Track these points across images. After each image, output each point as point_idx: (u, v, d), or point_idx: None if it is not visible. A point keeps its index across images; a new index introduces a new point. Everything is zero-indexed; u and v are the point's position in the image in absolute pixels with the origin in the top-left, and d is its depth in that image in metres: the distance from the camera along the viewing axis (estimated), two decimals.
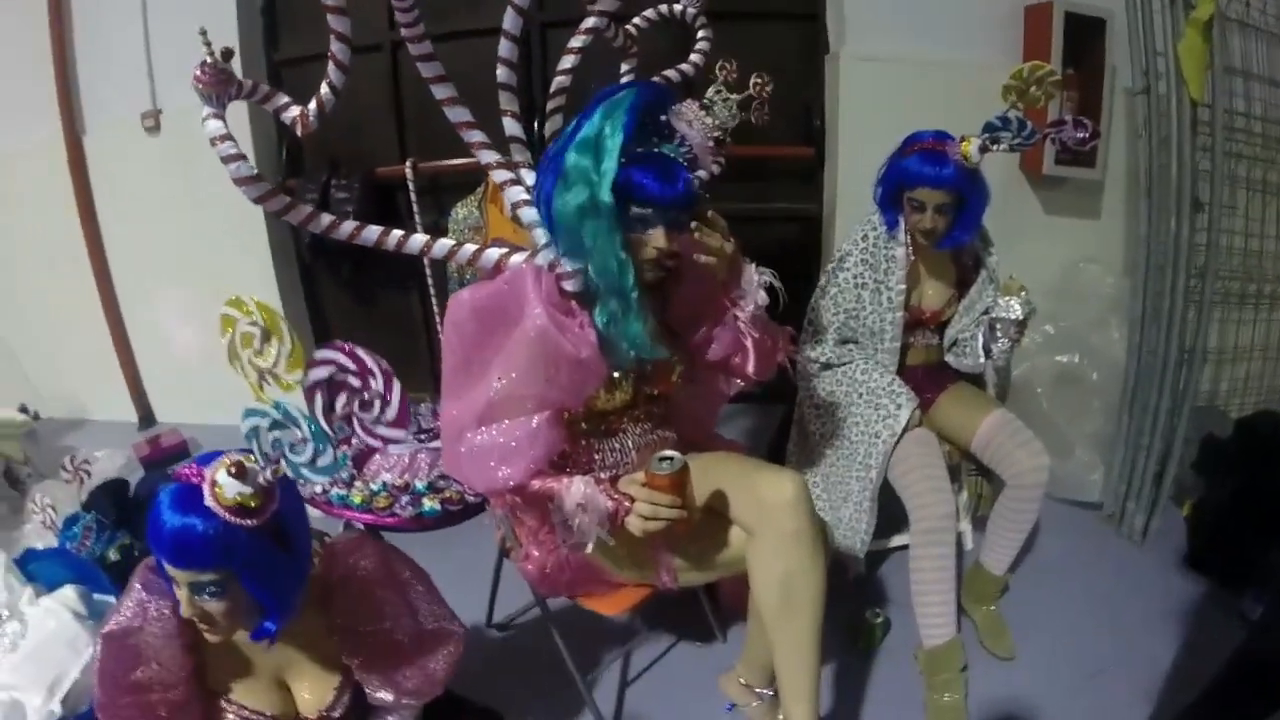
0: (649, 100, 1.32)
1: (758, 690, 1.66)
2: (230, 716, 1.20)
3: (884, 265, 1.94)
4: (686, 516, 1.28)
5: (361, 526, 2.49)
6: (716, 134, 1.43)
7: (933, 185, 1.82)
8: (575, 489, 1.32)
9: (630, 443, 1.52)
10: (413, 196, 3.07)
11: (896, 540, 2.23)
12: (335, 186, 3.07)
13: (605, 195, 1.27)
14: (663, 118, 1.35)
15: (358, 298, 3.49)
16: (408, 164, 3.04)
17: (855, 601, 2.07)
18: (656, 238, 1.32)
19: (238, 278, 3.25)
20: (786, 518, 1.34)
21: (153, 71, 3.14)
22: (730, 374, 1.62)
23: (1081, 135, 1.75)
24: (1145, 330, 2.46)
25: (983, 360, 1.95)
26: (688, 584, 1.53)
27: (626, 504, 1.29)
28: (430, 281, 3.14)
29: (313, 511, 2.53)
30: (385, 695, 1.27)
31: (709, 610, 2.01)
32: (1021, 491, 1.93)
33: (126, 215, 3.36)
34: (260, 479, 1.02)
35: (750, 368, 1.53)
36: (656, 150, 1.33)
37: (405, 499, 2.52)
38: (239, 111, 3.05)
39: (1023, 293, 1.82)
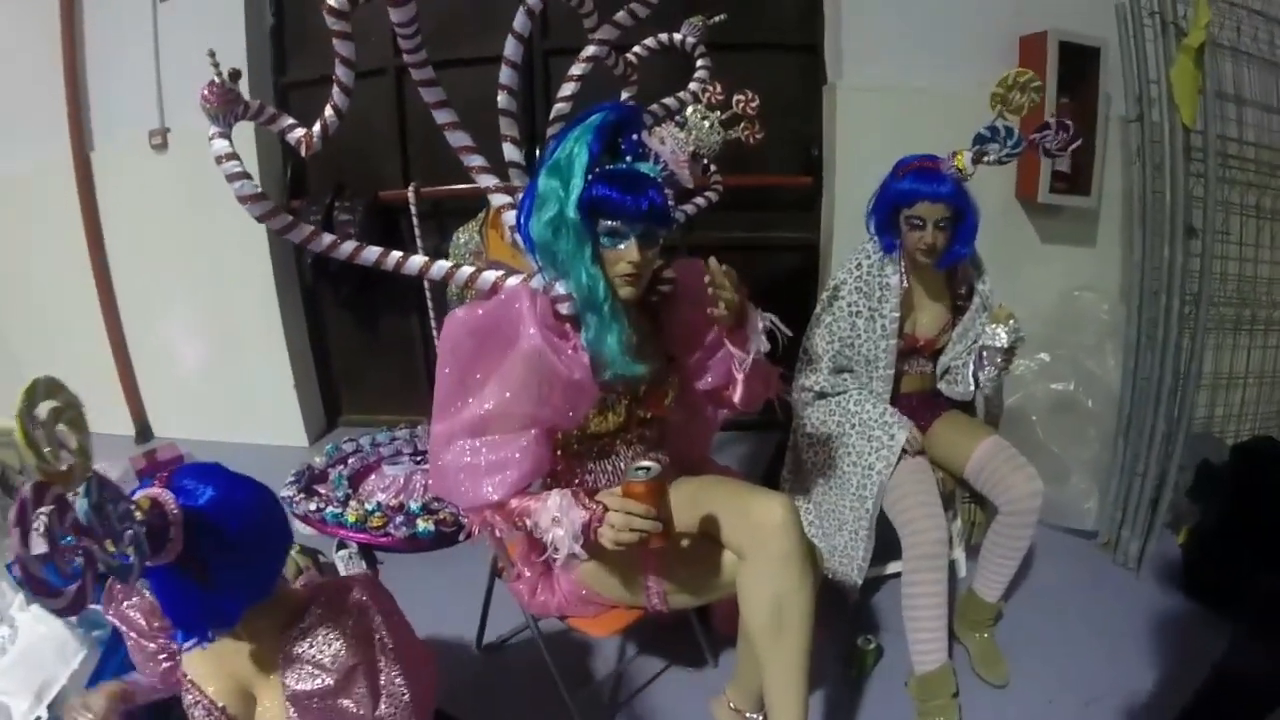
0: (616, 120, 1.35)
1: (747, 715, 1.65)
2: (190, 698, 1.21)
3: (878, 293, 1.96)
4: (661, 529, 1.27)
5: (354, 546, 2.50)
6: (692, 149, 1.45)
7: (932, 200, 1.84)
8: (551, 501, 1.32)
9: (623, 465, 1.53)
10: (415, 220, 3.11)
11: (890, 568, 2.22)
12: (339, 209, 3.10)
13: (572, 211, 1.30)
14: (635, 137, 1.38)
15: (358, 319, 3.53)
16: (411, 188, 3.09)
17: (847, 628, 2.06)
18: (628, 252, 1.34)
19: (240, 297, 3.30)
20: (777, 540, 1.35)
21: (161, 91, 3.19)
22: (717, 404, 1.65)
23: (1064, 136, 1.79)
24: (1140, 356, 2.47)
25: (973, 388, 1.95)
26: (678, 607, 1.53)
27: (599, 513, 1.28)
28: (430, 304, 3.18)
29: (306, 529, 2.56)
30: None
31: (700, 634, 2.01)
32: (1015, 518, 1.93)
33: (131, 232, 3.39)
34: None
35: (737, 399, 1.55)
36: (628, 166, 1.36)
37: (400, 519, 2.54)
38: (244, 132, 3.09)
39: (1011, 321, 1.83)
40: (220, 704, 1.20)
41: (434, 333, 3.24)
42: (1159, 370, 2.38)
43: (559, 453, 1.50)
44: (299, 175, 3.31)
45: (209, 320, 3.39)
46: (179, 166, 3.22)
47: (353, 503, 2.63)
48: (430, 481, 1.47)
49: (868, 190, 2.02)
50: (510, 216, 1.51)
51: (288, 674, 1.16)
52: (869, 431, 1.93)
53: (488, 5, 3.08)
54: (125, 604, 1.27)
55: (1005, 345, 1.82)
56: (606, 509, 1.28)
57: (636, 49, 1.96)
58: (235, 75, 1.40)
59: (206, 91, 1.38)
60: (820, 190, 3.13)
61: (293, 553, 2.36)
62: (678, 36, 1.97)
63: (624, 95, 1.98)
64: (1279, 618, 1.33)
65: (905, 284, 1.97)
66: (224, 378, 3.42)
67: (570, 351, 1.35)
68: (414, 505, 2.61)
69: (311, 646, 1.17)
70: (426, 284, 3.17)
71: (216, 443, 3.25)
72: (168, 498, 1.00)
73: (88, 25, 3.24)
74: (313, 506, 2.58)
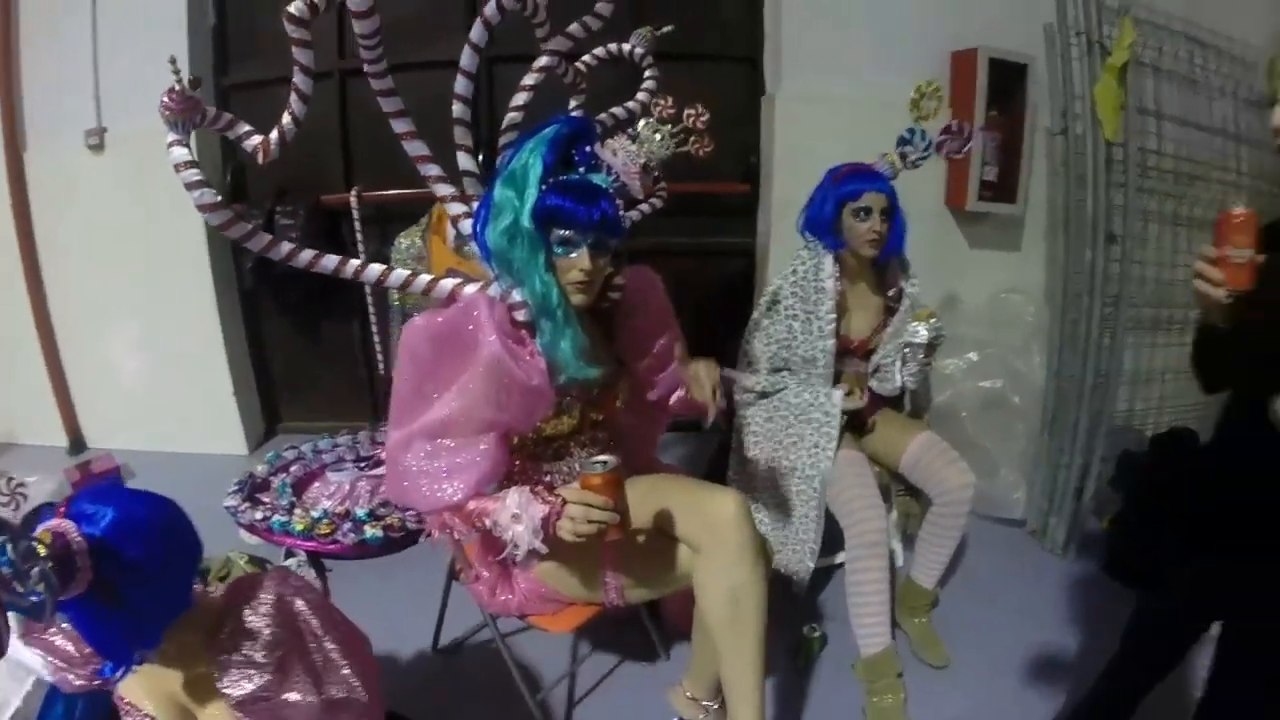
0: (570, 133, 1.41)
1: (704, 703, 1.71)
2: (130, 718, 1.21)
3: (814, 296, 2.04)
4: (618, 520, 1.31)
5: (302, 555, 2.47)
6: (642, 160, 1.50)
7: (876, 189, 1.98)
8: (510, 499, 1.35)
9: (578, 466, 1.57)
10: (357, 225, 3.09)
11: (830, 559, 2.31)
12: (280, 213, 3.06)
13: (526, 220, 1.35)
14: (588, 149, 1.42)
15: (298, 325, 3.48)
16: (353, 193, 3.07)
17: (793, 619, 2.13)
18: (580, 260, 1.39)
19: (178, 302, 3.22)
20: (731, 533, 1.41)
21: (99, 89, 3.09)
22: (664, 411, 1.74)
23: (958, 141, 2.01)
24: (1064, 355, 2.61)
25: (898, 384, 2.08)
26: (635, 601, 1.58)
27: (558, 506, 1.32)
28: (372, 309, 3.16)
29: (252, 538, 2.53)
30: None
31: (652, 629, 2.06)
32: (948, 509, 2.05)
33: (66, 235, 3.27)
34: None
35: (678, 407, 1.68)
36: (580, 177, 1.41)
37: (347, 526, 2.52)
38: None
39: (932, 320, 1.97)
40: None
41: (375, 338, 3.22)
42: (1082, 368, 2.53)
43: (515, 455, 1.53)
44: (239, 178, 3.24)
45: (145, 326, 3.29)
46: (116, 168, 3.13)
47: (298, 510, 2.60)
48: (386, 486, 1.47)
49: (803, 197, 2.14)
50: (466, 225, 1.53)
51: (225, 682, 1.15)
52: (808, 414, 2.03)
53: (431, 10, 3.09)
54: (49, 632, 1.23)
55: (925, 341, 1.96)
56: (565, 502, 1.31)
57: (586, 58, 2.00)
58: (195, 82, 1.38)
59: (167, 99, 1.36)
60: (758, 197, 3.21)
61: (241, 562, 2.34)
62: (626, 47, 2.02)
63: (573, 103, 2.01)
64: (1201, 598, 1.44)
65: (840, 287, 2.06)
66: (161, 385, 3.32)
67: (528, 357, 1.38)
68: (360, 512, 2.59)
69: (240, 648, 1.16)
70: (369, 289, 3.15)
71: (153, 452, 3.17)
72: (69, 527, 0.98)
73: (23, 18, 3.12)
74: (259, 515, 2.54)
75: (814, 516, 1.99)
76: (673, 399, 1.70)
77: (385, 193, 3.11)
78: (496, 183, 1.40)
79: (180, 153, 1.36)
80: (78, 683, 1.22)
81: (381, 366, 3.25)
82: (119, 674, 1.11)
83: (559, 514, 1.31)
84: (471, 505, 1.38)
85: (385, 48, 1.47)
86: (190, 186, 1.35)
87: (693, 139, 1.53)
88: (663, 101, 1.55)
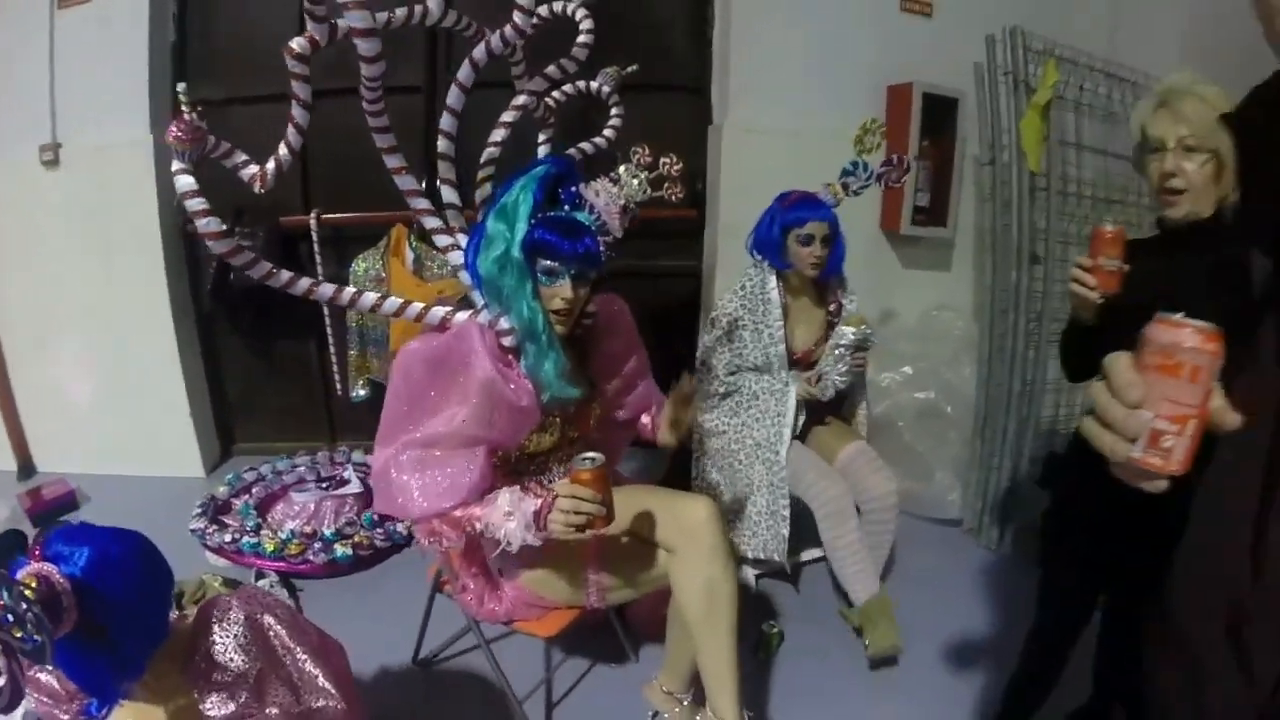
0: (557, 173, 1.54)
1: (678, 696, 1.83)
2: None
3: (761, 308, 2.26)
4: (605, 512, 1.42)
5: (273, 575, 2.51)
6: (623, 202, 1.63)
7: (819, 218, 2.19)
8: (502, 499, 1.46)
9: (554, 480, 1.68)
10: (316, 247, 3.13)
11: (795, 558, 2.52)
12: (240, 234, 3.06)
13: (516, 251, 1.47)
14: (574, 188, 1.55)
15: (254, 346, 3.47)
16: (313, 215, 3.11)
17: (754, 617, 2.27)
18: (563, 289, 1.51)
19: (132, 322, 3.18)
20: (704, 535, 1.56)
21: (55, 104, 3.04)
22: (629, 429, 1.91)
23: (897, 172, 2.21)
24: (992, 367, 2.83)
25: (832, 385, 2.28)
26: (614, 602, 1.70)
27: (550, 500, 1.42)
28: (329, 331, 3.20)
29: (220, 561, 2.55)
30: None
31: (621, 634, 2.18)
32: (875, 514, 2.28)
33: (16, 251, 3.20)
34: None
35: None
36: (566, 214, 1.53)
37: (317, 545, 2.57)
38: (144, 147, 3.03)
39: (863, 326, 2.20)
40: None
41: (333, 359, 3.25)
42: (1009, 378, 2.74)
43: (497, 470, 1.63)
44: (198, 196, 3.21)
45: (99, 347, 3.24)
46: (71, 184, 3.08)
47: (265, 531, 2.63)
48: (376, 497, 1.54)
49: (747, 222, 2.34)
50: (454, 256, 1.64)
51: (207, 705, 1.19)
52: (766, 405, 2.26)
53: (388, 38, 3.14)
54: (34, 669, 1.22)
55: (851, 341, 2.19)
56: (556, 496, 1.42)
57: (556, 94, 2.11)
58: (200, 113, 1.43)
59: (176, 129, 1.38)
60: (704, 222, 3.37)
61: (216, 584, 2.36)
62: (594, 84, 2.14)
63: (541, 137, 2.12)
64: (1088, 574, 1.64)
65: (785, 299, 2.28)
66: (114, 407, 3.26)
67: (517, 379, 1.50)
68: (327, 532, 2.63)
69: (217, 670, 1.20)
70: (327, 311, 3.19)
71: (107, 476, 3.14)
72: (50, 569, 1.00)
73: None
74: (228, 538, 2.56)
75: (782, 505, 2.21)
76: (644, 420, 1.86)
77: (344, 215, 3.16)
78: (489, 216, 1.51)
79: (186, 181, 1.40)
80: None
81: (339, 387, 3.29)
82: (105, 711, 1.14)
83: (550, 507, 1.41)
84: (459, 513, 1.47)
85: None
86: (195, 215, 1.40)
87: (667, 184, 1.67)
88: (641, 149, 1.68)
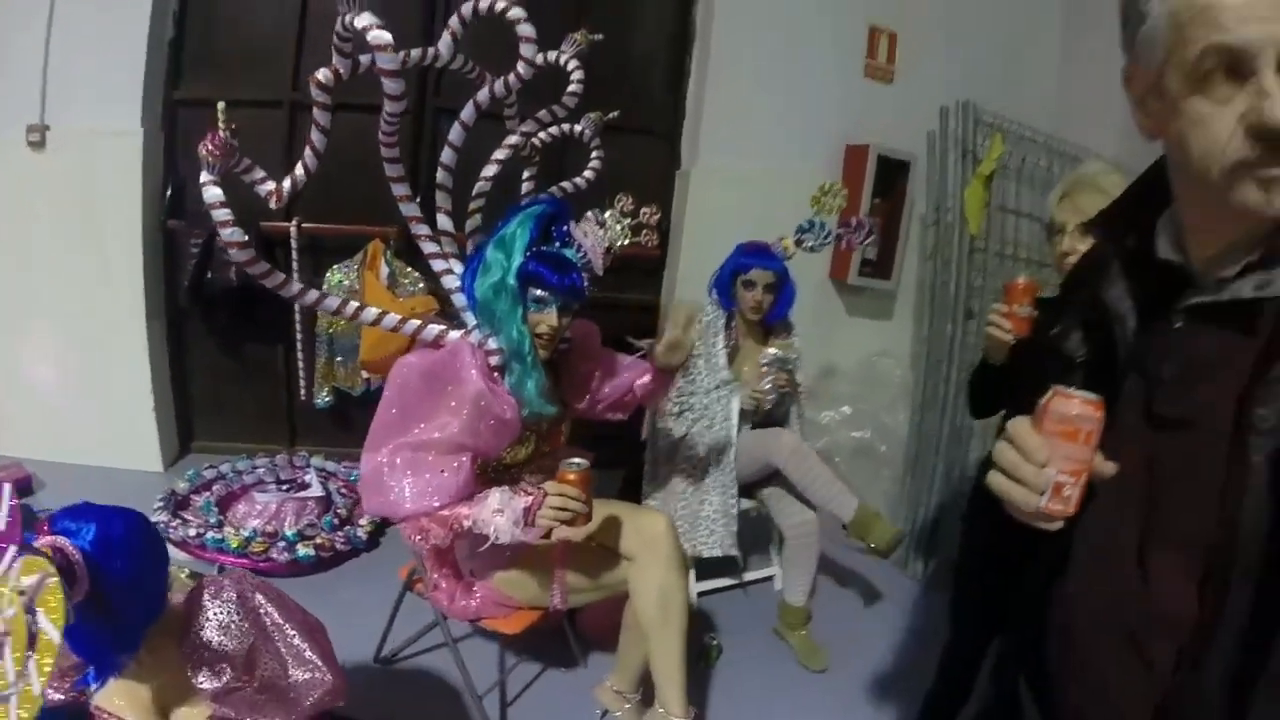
0: (552, 213, 1.72)
1: (627, 695, 1.98)
2: None
3: (711, 340, 2.50)
4: (588, 511, 1.59)
5: (236, 571, 2.57)
6: (606, 244, 1.81)
7: (763, 268, 2.44)
8: (493, 498, 1.60)
9: (527, 489, 1.83)
10: (294, 254, 3.22)
11: (721, 581, 2.73)
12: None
13: (511, 279, 1.64)
14: (565, 227, 1.73)
15: (224, 346, 3.49)
16: (293, 223, 3.20)
17: (695, 631, 2.42)
18: (549, 317, 1.68)
19: (104, 311, 3.18)
20: (663, 545, 1.75)
21: (46, 85, 3.00)
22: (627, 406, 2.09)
23: (860, 233, 2.40)
24: (925, 412, 3.07)
25: (766, 401, 2.52)
26: (576, 604, 1.86)
27: (540, 497, 1.57)
28: (299, 336, 3.27)
29: (182, 554, 2.60)
30: None
31: (573, 641, 2.32)
32: (794, 540, 2.51)
33: None
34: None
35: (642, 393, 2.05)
36: (557, 250, 1.70)
37: (281, 544, 2.65)
38: (133, 139, 3.06)
39: (788, 349, 2.50)
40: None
41: (300, 365, 3.32)
42: (939, 423, 2.98)
43: (477, 478, 1.77)
44: (179, 196, 3.23)
45: (67, 334, 3.22)
46: (55, 168, 3.05)
47: (228, 528, 2.70)
48: (365, 497, 1.65)
49: (707, 261, 2.57)
50: (449, 280, 1.79)
51: (200, 678, 1.23)
52: (714, 417, 2.47)
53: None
54: None
55: (771, 359, 2.46)
56: (546, 494, 1.57)
57: (541, 135, 2.28)
58: (234, 131, 1.52)
59: (210, 144, 1.47)
60: (666, 260, 3.56)
61: (183, 575, 2.41)
62: (577, 128, 2.31)
63: (526, 173, 2.28)
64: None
65: (734, 339, 2.55)
66: (78, 395, 3.24)
67: (503, 395, 1.66)
68: (289, 533, 2.72)
69: (211, 644, 1.25)
70: (298, 317, 3.27)
71: (64, 464, 3.14)
72: (64, 541, 1.05)
73: None
74: (192, 532, 2.63)
75: (730, 498, 2.43)
76: (637, 385, 2.02)
77: (324, 225, 3.25)
78: (489, 245, 1.67)
79: (214, 193, 1.49)
80: (56, 697, 1.24)
81: (304, 393, 3.35)
82: (98, 684, 1.19)
83: (540, 504, 1.56)
84: (447, 512, 1.60)
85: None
86: (221, 225, 1.50)
87: (645, 231, 1.86)
88: (625, 198, 1.87)
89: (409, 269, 3.25)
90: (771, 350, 2.50)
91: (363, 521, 2.90)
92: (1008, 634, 1.85)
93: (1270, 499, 0.68)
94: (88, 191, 3.08)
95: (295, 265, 3.21)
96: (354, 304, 1.68)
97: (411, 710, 2.10)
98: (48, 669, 0.95)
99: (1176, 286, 0.78)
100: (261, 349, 3.52)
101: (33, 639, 0.94)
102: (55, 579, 0.96)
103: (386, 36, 1.44)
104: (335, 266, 3.24)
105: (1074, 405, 0.73)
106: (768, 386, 2.47)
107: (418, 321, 1.73)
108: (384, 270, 3.27)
